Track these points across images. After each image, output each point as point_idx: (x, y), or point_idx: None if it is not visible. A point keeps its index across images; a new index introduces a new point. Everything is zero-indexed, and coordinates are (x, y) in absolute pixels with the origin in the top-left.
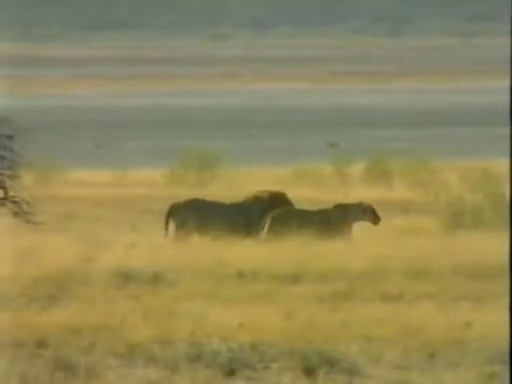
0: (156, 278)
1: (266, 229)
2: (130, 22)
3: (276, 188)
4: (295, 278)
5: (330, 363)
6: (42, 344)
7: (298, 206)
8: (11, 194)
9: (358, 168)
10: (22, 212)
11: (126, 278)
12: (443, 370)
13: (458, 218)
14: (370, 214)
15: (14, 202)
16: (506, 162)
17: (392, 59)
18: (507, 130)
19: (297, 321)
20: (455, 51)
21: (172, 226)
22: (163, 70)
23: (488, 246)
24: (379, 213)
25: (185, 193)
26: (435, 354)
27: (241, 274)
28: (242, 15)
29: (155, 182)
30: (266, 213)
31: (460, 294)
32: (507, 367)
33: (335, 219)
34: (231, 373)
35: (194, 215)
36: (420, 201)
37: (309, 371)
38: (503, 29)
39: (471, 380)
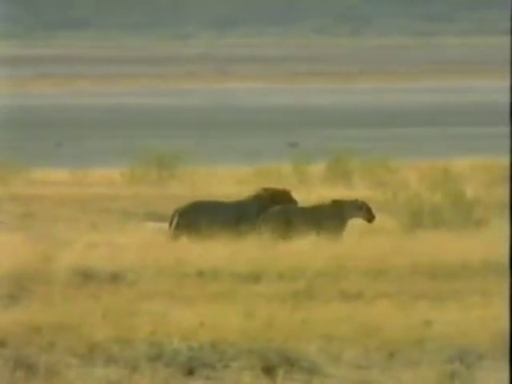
0: (116, 278)
1: (262, 226)
2: (92, 21)
3: (236, 187)
4: (255, 277)
5: (290, 362)
6: (1, 343)
7: None
8: None
9: (318, 167)
10: None
11: (85, 277)
12: (403, 368)
13: (417, 217)
14: (365, 211)
15: None
16: (465, 161)
17: (352, 59)
18: (467, 130)
19: (257, 320)
20: (414, 51)
21: (173, 229)
22: (125, 69)
23: (447, 244)
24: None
25: (144, 192)
26: (395, 353)
27: (201, 274)
28: (204, 15)
29: (115, 181)
30: (266, 210)
31: (419, 293)
32: (466, 366)
33: (331, 215)
34: (191, 372)
35: (196, 217)
36: (380, 200)
37: (268, 370)
38: (461, 28)
39: (431, 379)
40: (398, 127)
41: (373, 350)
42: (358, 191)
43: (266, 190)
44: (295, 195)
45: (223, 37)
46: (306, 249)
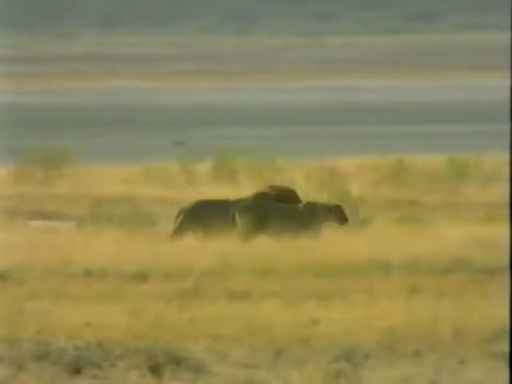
0: (2, 277)
1: (237, 223)
2: None
3: (123, 186)
4: (142, 277)
5: (177, 361)
6: None
7: (147, 205)
8: None
9: (204, 166)
10: None
11: None
12: (289, 367)
13: None
14: (334, 214)
15: None
16: (352, 160)
17: (240, 58)
18: (354, 129)
19: (144, 319)
20: (303, 50)
21: (177, 228)
22: (11, 68)
23: (333, 243)
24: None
25: (31, 191)
26: (281, 351)
27: (88, 273)
28: (89, 13)
29: (2, 180)
30: (269, 209)
31: (306, 293)
32: (352, 365)
33: (304, 216)
34: (78, 371)
35: (199, 216)
36: None
37: (155, 369)
38: (351, 28)
39: (317, 378)
40: (286, 126)
41: (260, 348)
42: (244, 190)
43: (271, 187)
44: (182, 194)
45: (108, 36)
46: (192, 247)
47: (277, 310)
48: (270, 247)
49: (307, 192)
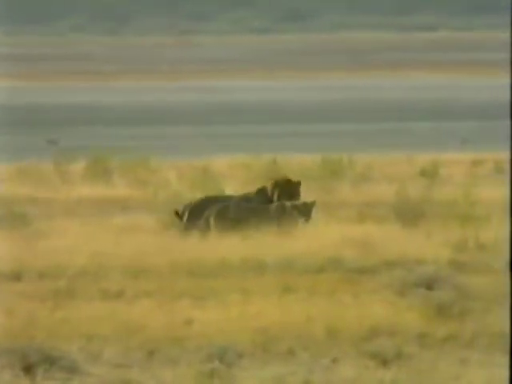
0: None
1: (212, 224)
2: None
3: None
4: (16, 276)
5: (50, 361)
6: None
7: (21, 205)
8: None
9: (78, 166)
10: None
11: None
12: (163, 367)
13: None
14: (303, 211)
15: None
16: (224, 159)
17: (111, 57)
18: (226, 128)
19: (17, 318)
20: (176, 50)
21: (183, 224)
22: None
23: (206, 243)
24: (99, 211)
25: None
26: (155, 351)
27: None
28: None
29: None
30: (268, 203)
31: (180, 292)
32: (225, 365)
33: (275, 216)
34: None
35: (203, 213)
36: (140, 199)
37: (28, 369)
38: (223, 28)
39: (190, 377)
40: (159, 126)
41: (133, 348)
42: (117, 190)
43: (276, 181)
44: (56, 194)
45: None
46: (65, 247)
47: (151, 309)
48: (142, 246)
49: (181, 192)
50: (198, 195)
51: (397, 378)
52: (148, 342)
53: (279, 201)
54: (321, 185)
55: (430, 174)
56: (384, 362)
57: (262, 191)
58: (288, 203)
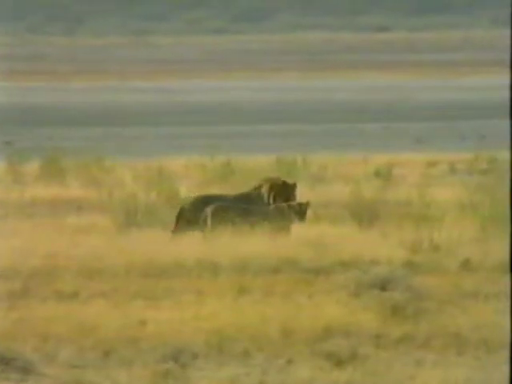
0: None
1: (208, 223)
2: None
3: None
4: None
5: (5, 362)
6: None
7: None
8: None
9: (32, 166)
10: None
11: None
12: (117, 368)
13: (131, 216)
14: (298, 212)
15: None
16: (179, 160)
17: (66, 58)
18: (180, 129)
19: None
20: (131, 50)
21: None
22: None
23: (162, 243)
24: (53, 211)
25: None
26: (110, 352)
27: None
28: None
29: None
30: (264, 204)
31: (135, 293)
32: (180, 365)
33: (273, 218)
34: None
35: (201, 211)
36: (94, 199)
37: None
38: (178, 28)
39: (145, 377)
40: (113, 126)
41: (88, 349)
42: (72, 191)
43: (272, 183)
44: (9, 194)
45: None
46: (22, 247)
47: (105, 310)
48: (96, 247)
49: (136, 192)
50: (153, 196)
51: (352, 379)
52: (103, 343)
53: (275, 203)
54: None
55: (384, 174)
56: (339, 363)
57: (257, 193)
58: (284, 204)
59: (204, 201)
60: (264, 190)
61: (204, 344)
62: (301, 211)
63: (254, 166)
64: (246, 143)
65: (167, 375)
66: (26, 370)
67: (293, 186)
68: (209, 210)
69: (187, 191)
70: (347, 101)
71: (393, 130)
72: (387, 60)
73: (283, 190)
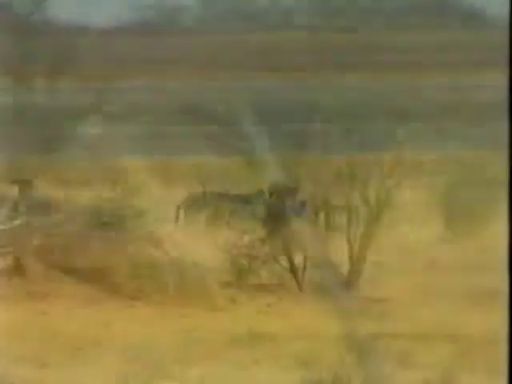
0: None
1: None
2: None
3: None
4: None
5: None
6: None
7: None
8: None
9: None
10: None
11: None
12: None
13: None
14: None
15: None
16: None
17: None
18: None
19: None
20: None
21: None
22: None
23: None
24: None
25: None
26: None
27: None
28: None
29: None
30: (265, 205)
31: None
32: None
33: (271, 216)
34: None
35: (199, 210)
36: None
37: None
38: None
39: None
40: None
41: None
42: None
43: (273, 186)
44: None
45: None
46: None
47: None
48: None
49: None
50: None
51: None
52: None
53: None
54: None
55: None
56: None
57: (259, 194)
58: (284, 204)
59: (202, 199)
60: (265, 193)
61: None
62: (300, 210)
63: (217, 167)
64: (206, 144)
65: None
66: None
67: (294, 190)
68: (209, 207)
69: (148, 193)
70: (305, 101)
71: (355, 131)
72: (351, 61)
73: (284, 193)
